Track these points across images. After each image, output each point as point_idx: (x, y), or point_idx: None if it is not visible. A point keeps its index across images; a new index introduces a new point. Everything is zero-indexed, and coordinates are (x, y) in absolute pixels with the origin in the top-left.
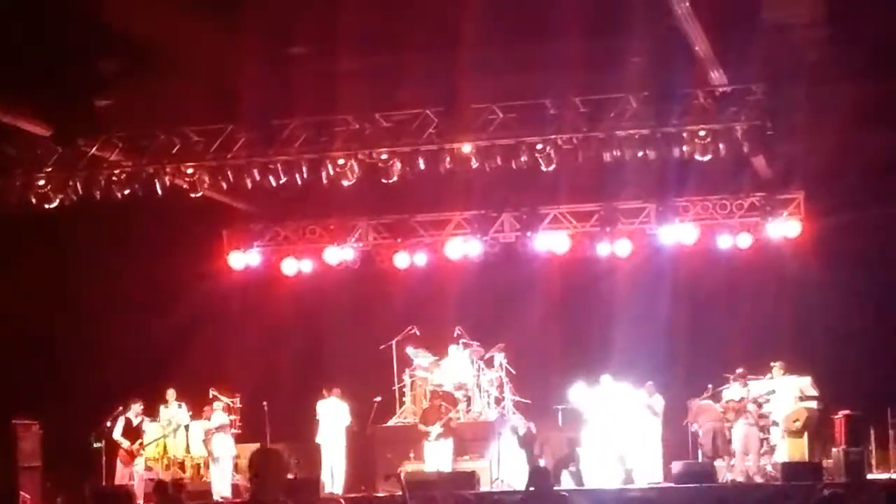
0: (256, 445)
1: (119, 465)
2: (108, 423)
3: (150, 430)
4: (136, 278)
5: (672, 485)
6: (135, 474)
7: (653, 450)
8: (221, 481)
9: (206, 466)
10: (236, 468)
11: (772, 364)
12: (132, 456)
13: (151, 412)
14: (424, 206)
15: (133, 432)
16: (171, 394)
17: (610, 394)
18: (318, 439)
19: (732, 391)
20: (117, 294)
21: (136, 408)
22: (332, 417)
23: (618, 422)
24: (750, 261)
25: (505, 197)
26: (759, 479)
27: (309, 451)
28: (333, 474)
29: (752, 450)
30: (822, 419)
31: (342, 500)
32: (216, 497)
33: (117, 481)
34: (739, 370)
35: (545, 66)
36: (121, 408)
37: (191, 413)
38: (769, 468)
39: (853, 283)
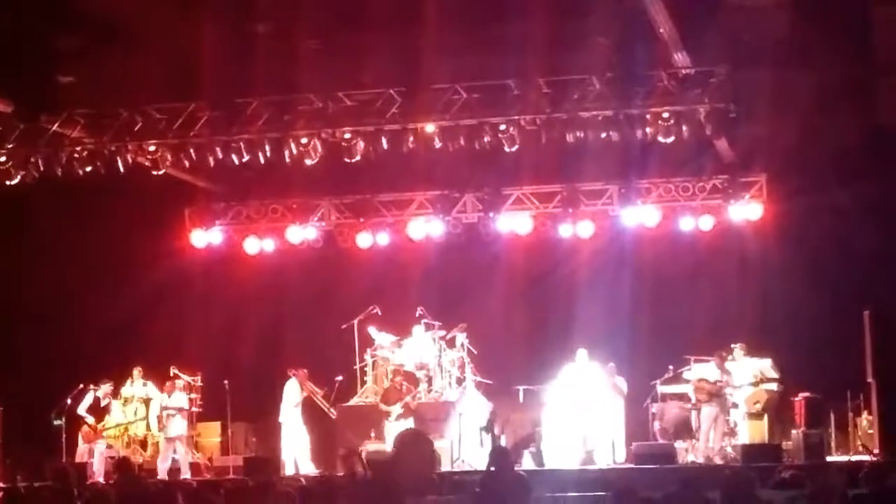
0: (216, 424)
1: (80, 441)
2: (69, 401)
3: (115, 410)
4: (98, 256)
5: (632, 465)
6: (95, 452)
7: (616, 431)
8: (182, 461)
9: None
10: (196, 447)
11: (732, 346)
12: (96, 433)
13: (113, 390)
14: (387, 186)
15: (99, 411)
16: (136, 372)
17: (582, 370)
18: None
19: (709, 371)
20: (78, 272)
21: (106, 388)
22: (287, 398)
23: (582, 401)
24: (712, 243)
25: (467, 177)
26: (718, 461)
27: (269, 430)
28: (297, 455)
29: (719, 432)
30: (782, 401)
31: (302, 479)
32: (162, 476)
33: (77, 459)
34: (722, 352)
35: (509, 46)
36: (81, 385)
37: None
38: (729, 450)
39: (814, 266)
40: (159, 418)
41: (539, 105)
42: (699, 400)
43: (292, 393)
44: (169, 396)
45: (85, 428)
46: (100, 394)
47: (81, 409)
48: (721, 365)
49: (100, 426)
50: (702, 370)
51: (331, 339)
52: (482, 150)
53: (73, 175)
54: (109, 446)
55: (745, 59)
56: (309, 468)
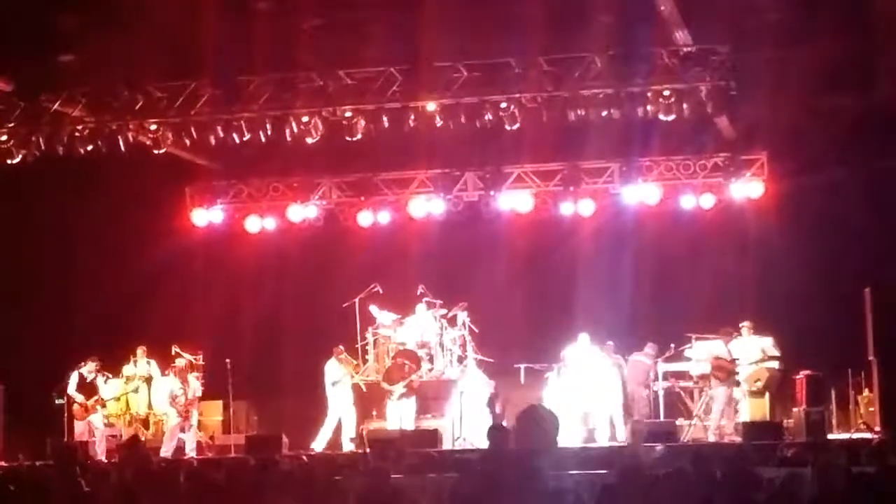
0: (218, 402)
1: (75, 420)
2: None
3: (110, 386)
4: (99, 235)
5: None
6: (94, 430)
7: (617, 409)
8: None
9: None
10: (198, 426)
11: (740, 325)
12: (86, 410)
13: (114, 368)
14: (388, 165)
15: (88, 388)
16: (140, 351)
17: (585, 353)
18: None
19: (718, 349)
20: (80, 251)
21: (91, 365)
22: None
23: (584, 381)
24: (713, 221)
25: (468, 156)
26: (712, 438)
27: (271, 408)
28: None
29: (731, 410)
30: (783, 379)
31: (305, 457)
32: (167, 454)
33: (77, 437)
34: (730, 330)
35: (510, 24)
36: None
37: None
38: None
39: (815, 244)
40: (187, 409)
41: (540, 83)
42: (718, 378)
43: (330, 372)
44: (183, 383)
45: (75, 406)
46: (84, 371)
47: (71, 389)
48: (729, 343)
49: (91, 402)
50: (710, 348)
51: (332, 317)
52: (483, 128)
53: (75, 154)
54: (111, 425)
55: (745, 37)
56: (318, 445)
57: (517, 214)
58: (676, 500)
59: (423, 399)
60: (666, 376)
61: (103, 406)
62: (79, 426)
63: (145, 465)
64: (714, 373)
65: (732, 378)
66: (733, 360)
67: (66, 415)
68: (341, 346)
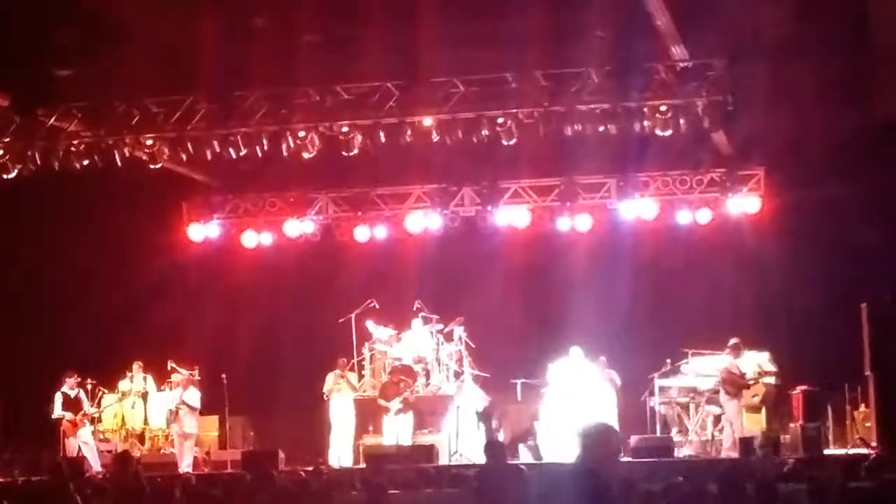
0: (214, 418)
1: (67, 437)
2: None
3: (106, 401)
4: (95, 250)
5: (630, 459)
6: (83, 445)
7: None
8: (187, 456)
9: (166, 438)
10: (196, 441)
11: (733, 341)
12: (75, 426)
13: (110, 383)
14: (385, 180)
15: (75, 404)
16: (137, 367)
17: (577, 367)
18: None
19: (723, 364)
20: (76, 266)
21: (70, 381)
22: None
23: (579, 396)
24: (709, 236)
25: (465, 171)
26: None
27: (267, 424)
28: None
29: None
30: (779, 395)
31: (302, 473)
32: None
33: (69, 453)
34: (739, 344)
35: (507, 39)
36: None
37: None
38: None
39: (812, 260)
40: (175, 412)
41: (537, 98)
42: (729, 393)
43: (325, 383)
44: (185, 390)
45: (65, 422)
46: (65, 389)
47: (57, 412)
48: (737, 358)
49: (78, 416)
50: (717, 363)
51: (328, 333)
52: (480, 143)
53: (71, 169)
54: (106, 440)
55: (742, 52)
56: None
57: (514, 229)
58: None
59: (420, 414)
60: (662, 391)
61: (91, 421)
62: (71, 443)
63: (135, 480)
64: (725, 387)
65: (741, 393)
66: (743, 375)
67: (59, 433)
68: (343, 359)
